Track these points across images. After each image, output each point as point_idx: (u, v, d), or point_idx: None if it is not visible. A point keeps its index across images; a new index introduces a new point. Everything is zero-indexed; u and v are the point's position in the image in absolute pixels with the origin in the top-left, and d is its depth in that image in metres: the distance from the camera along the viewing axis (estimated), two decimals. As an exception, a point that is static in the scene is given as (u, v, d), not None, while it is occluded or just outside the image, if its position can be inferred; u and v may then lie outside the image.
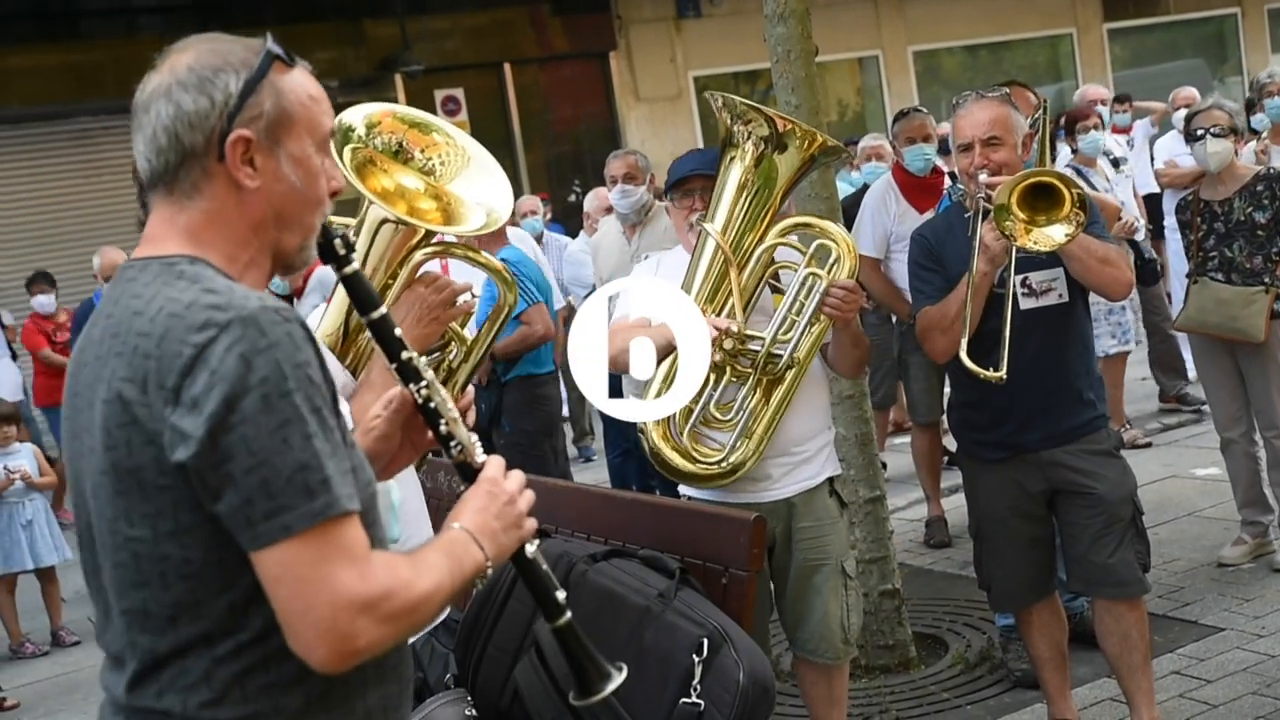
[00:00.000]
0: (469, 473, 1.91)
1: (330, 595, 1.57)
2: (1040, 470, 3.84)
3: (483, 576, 1.82)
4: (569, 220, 12.39)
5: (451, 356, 2.86)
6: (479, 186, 2.74)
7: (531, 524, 1.91)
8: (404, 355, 1.92)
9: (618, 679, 1.94)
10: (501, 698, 2.96)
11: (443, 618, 2.89)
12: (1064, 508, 3.88)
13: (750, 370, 3.53)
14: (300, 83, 1.79)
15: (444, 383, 2.84)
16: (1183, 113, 7.42)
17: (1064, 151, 7.72)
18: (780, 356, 3.52)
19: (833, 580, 3.70)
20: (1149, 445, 7.31)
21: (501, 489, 1.88)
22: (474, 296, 2.80)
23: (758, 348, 3.51)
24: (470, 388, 2.89)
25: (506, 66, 14.77)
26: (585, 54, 15.38)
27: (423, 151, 2.72)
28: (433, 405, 1.93)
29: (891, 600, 4.90)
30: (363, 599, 1.59)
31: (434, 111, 13.66)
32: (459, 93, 14.29)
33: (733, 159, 3.60)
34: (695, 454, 3.55)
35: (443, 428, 1.93)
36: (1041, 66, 18.67)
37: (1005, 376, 3.61)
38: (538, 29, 15.00)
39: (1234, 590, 5.17)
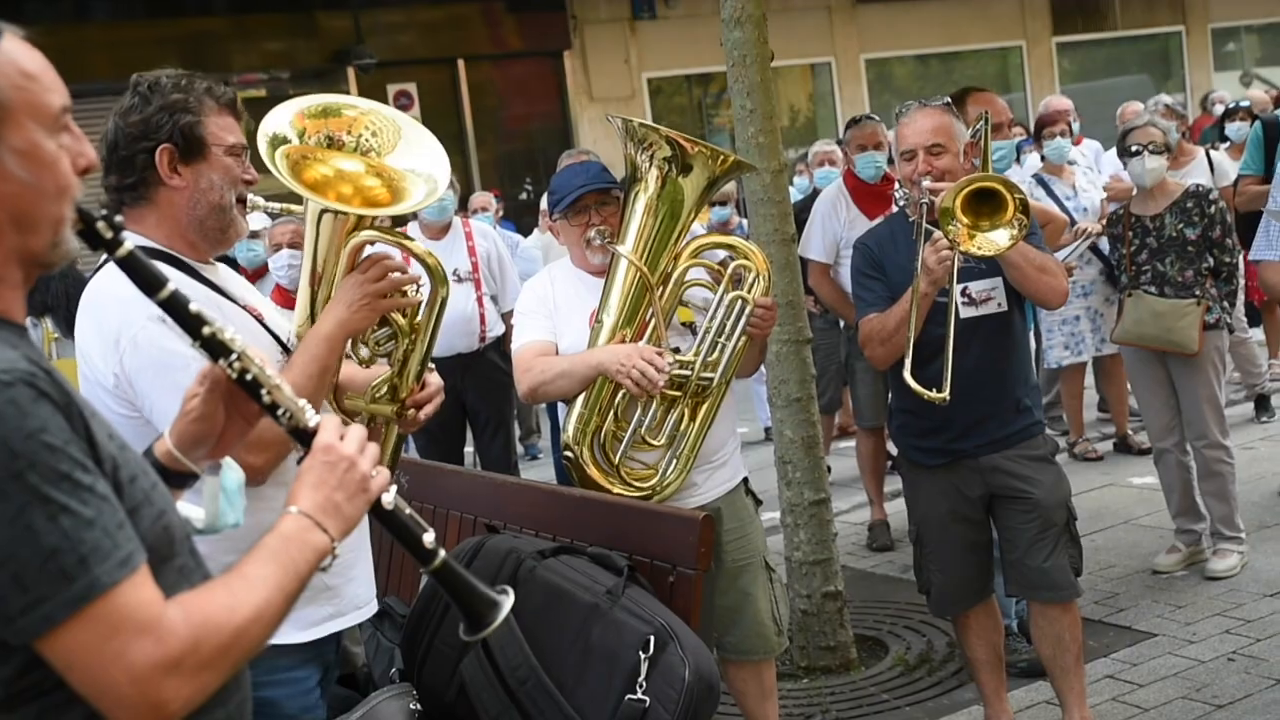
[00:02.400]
0: (303, 437, 1.82)
1: (126, 671, 1.46)
2: (979, 475, 3.91)
3: (332, 556, 1.73)
4: (520, 219, 12.39)
5: (401, 349, 2.81)
6: (416, 156, 2.71)
7: (380, 480, 1.80)
8: (205, 331, 1.79)
9: (507, 603, 1.86)
10: (448, 692, 2.98)
11: (373, 610, 2.84)
12: (1001, 512, 3.95)
13: (678, 394, 3.55)
14: (8, 60, 1.52)
15: (399, 375, 2.80)
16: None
17: (1034, 158, 7.84)
18: (710, 379, 3.55)
19: (759, 577, 3.78)
20: (1099, 459, 7.40)
21: (338, 455, 1.77)
22: (420, 288, 2.75)
23: (687, 373, 3.52)
24: (434, 379, 2.86)
25: (460, 63, 14.74)
26: (539, 52, 15.38)
27: (349, 132, 2.68)
28: (250, 377, 1.81)
29: (833, 602, 4.95)
30: (164, 663, 1.48)
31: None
32: (411, 88, 14.25)
33: (637, 192, 3.60)
34: (627, 478, 3.54)
35: (265, 398, 1.82)
36: (991, 77, 18.87)
37: (949, 398, 3.66)
38: (492, 26, 14.98)
39: (1167, 597, 5.27)
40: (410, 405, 2.78)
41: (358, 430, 1.82)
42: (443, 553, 1.85)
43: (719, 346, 3.56)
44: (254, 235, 5.91)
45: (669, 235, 3.59)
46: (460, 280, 6.38)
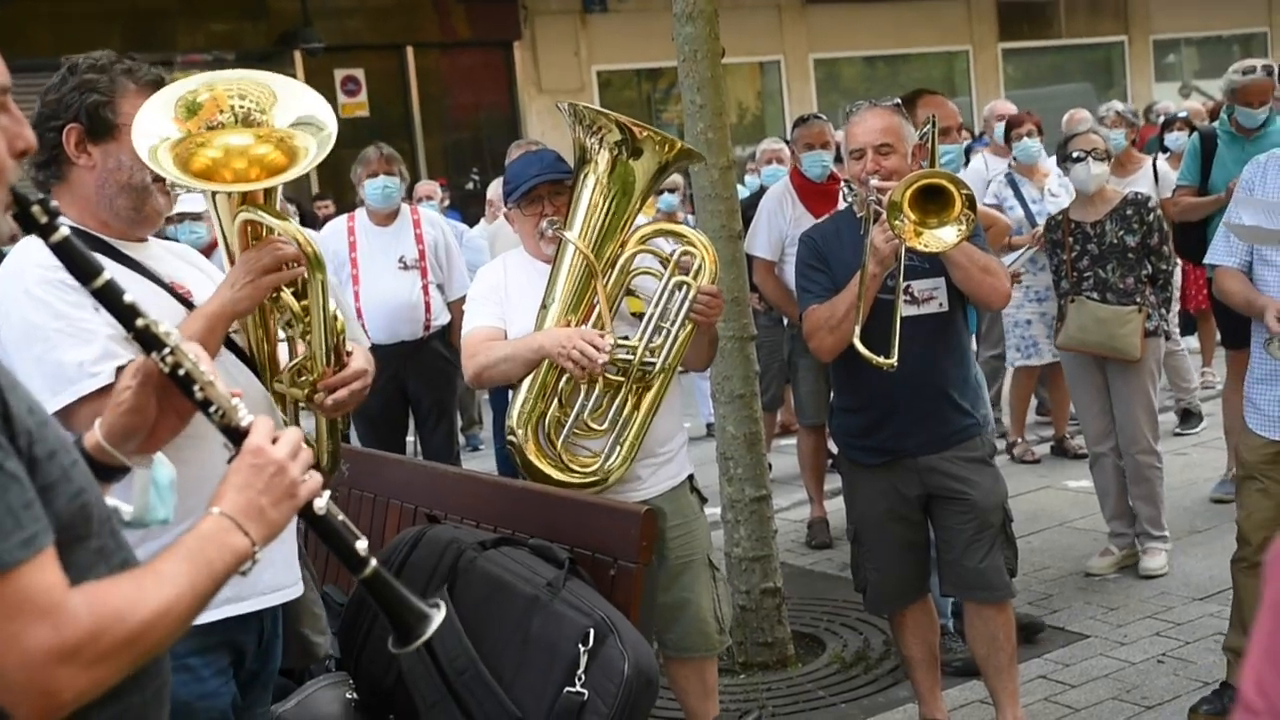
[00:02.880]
0: (235, 437, 1.79)
1: (20, 656, 1.43)
2: (917, 475, 3.94)
3: (252, 559, 1.69)
4: (466, 208, 12.33)
5: (301, 329, 2.70)
6: (294, 110, 2.61)
7: (311, 485, 1.77)
8: (139, 323, 1.77)
9: (437, 617, 1.84)
10: (385, 680, 2.97)
11: (291, 596, 2.79)
12: (939, 513, 3.98)
13: (622, 380, 3.56)
14: None
15: (308, 356, 2.69)
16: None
17: (978, 161, 7.91)
18: (653, 364, 3.56)
19: (702, 575, 3.78)
20: (1037, 461, 7.47)
21: (267, 458, 1.73)
22: (297, 265, 2.64)
23: (629, 357, 3.53)
24: (354, 364, 2.72)
25: (409, 50, 14.65)
26: (489, 42, 15.32)
27: (220, 110, 2.58)
28: (182, 371, 1.78)
29: (772, 599, 4.97)
30: (60, 650, 1.44)
31: (333, 92, 13.52)
32: (359, 73, 14.15)
33: (586, 173, 3.61)
34: (569, 464, 3.55)
35: (198, 393, 1.79)
36: (937, 81, 19.02)
37: (896, 364, 3.67)
38: (442, 14, 14.90)
39: (1099, 599, 5.34)
40: (321, 388, 2.66)
41: (292, 434, 1.79)
42: (374, 561, 1.82)
43: (662, 331, 3.56)
44: (195, 218, 5.82)
45: (616, 221, 3.59)
46: (406, 268, 6.34)
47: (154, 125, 2.51)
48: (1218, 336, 9.18)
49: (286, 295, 2.65)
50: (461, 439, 8.92)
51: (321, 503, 1.80)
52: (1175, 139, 8.81)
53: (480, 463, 8.26)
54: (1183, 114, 10.08)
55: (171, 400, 1.89)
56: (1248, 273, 3.95)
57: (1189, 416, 7.96)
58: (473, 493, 3.43)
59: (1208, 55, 22.14)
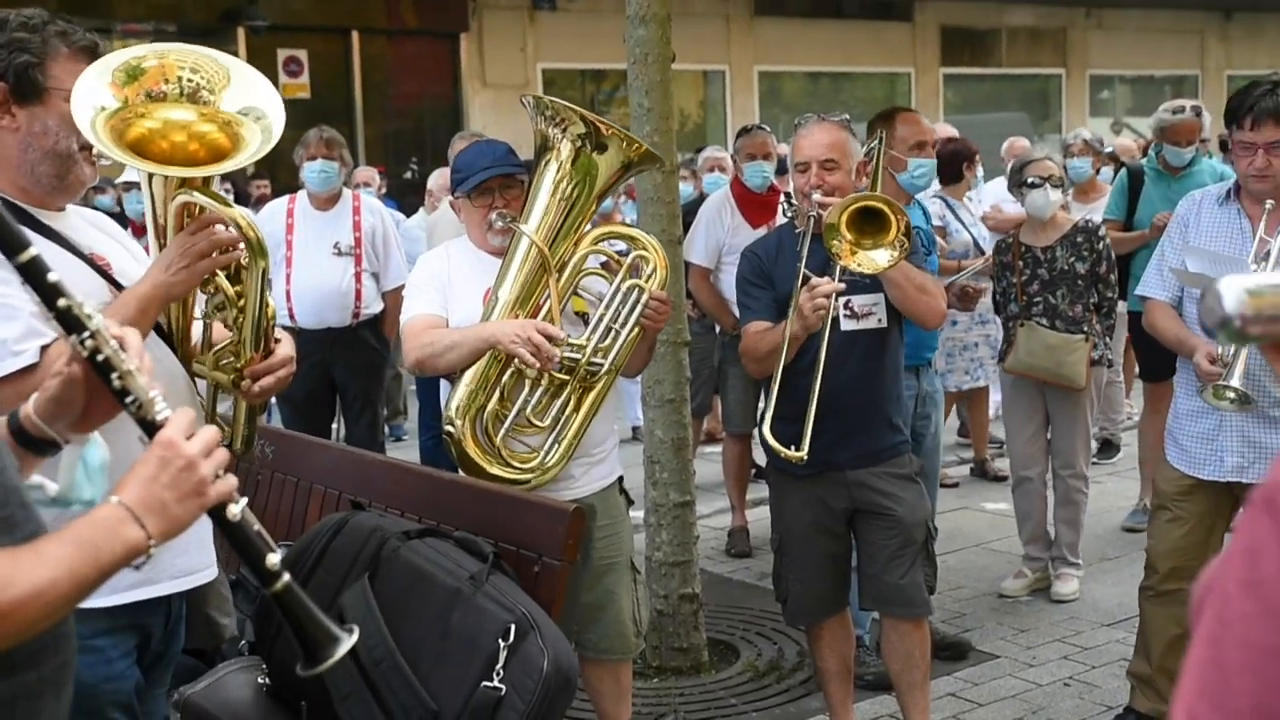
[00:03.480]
0: (150, 430, 1.74)
1: None
2: (845, 489, 3.97)
3: (146, 554, 1.65)
4: (404, 198, 12.24)
5: (231, 314, 2.66)
6: (248, 97, 2.55)
7: (222, 488, 1.73)
8: (61, 304, 1.72)
9: (348, 642, 1.82)
10: (299, 666, 2.92)
11: (203, 580, 2.75)
12: (864, 527, 4.01)
13: (567, 378, 3.55)
14: None
15: (237, 341, 2.66)
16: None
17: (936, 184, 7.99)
18: (599, 365, 3.56)
19: (624, 578, 3.79)
20: (955, 485, 7.53)
21: (177, 453, 1.68)
22: (234, 250, 2.61)
23: (578, 356, 3.53)
24: (280, 351, 2.70)
25: (354, 34, 14.52)
26: (435, 32, 15.22)
27: (166, 81, 2.50)
28: (101, 357, 1.73)
29: (690, 604, 4.99)
30: None
31: (275, 72, 13.35)
32: (302, 55, 13.99)
33: (548, 161, 3.59)
34: (507, 459, 3.54)
35: (115, 382, 1.74)
36: (879, 101, 19.18)
37: (805, 458, 3.71)
38: (389, 1, 14.78)
39: (1011, 620, 5.42)
40: (248, 375, 2.63)
41: (208, 432, 1.74)
42: (287, 576, 1.79)
43: (612, 333, 3.57)
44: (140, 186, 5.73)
45: (573, 219, 3.59)
46: (340, 254, 6.28)
47: (92, 93, 2.43)
48: (1136, 369, 9.37)
49: (221, 279, 2.60)
50: (385, 429, 8.88)
51: (236, 509, 1.76)
52: (1102, 174, 8.97)
53: (403, 453, 8.18)
54: (1110, 149, 10.26)
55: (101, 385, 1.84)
56: (1177, 307, 4.03)
57: (1108, 447, 8.10)
58: (399, 481, 3.39)
59: (1140, 94, 22.60)
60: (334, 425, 6.72)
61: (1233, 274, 3.41)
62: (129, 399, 1.74)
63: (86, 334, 1.72)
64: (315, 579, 2.95)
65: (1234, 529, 1.14)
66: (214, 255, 2.50)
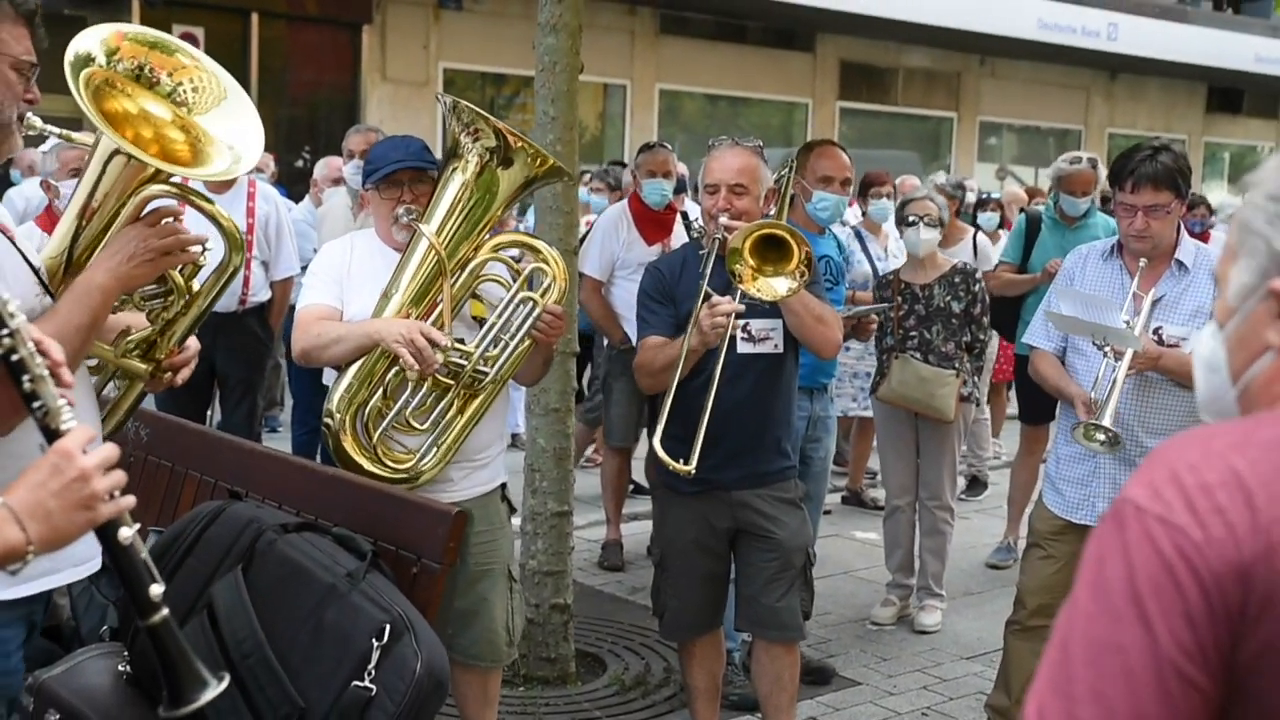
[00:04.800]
0: (52, 439, 1.72)
1: None
2: (730, 509, 4.00)
3: (22, 559, 1.63)
4: (293, 185, 12.05)
5: (172, 308, 2.69)
6: (231, 125, 2.59)
7: (112, 508, 1.72)
8: None
9: (215, 688, 1.81)
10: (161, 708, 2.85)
11: (96, 567, 2.70)
12: (744, 548, 4.05)
13: (451, 383, 3.53)
14: None
15: (161, 334, 2.68)
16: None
17: (855, 211, 8.09)
18: (485, 374, 3.54)
19: (500, 585, 3.76)
20: (828, 512, 7.61)
21: (72, 464, 1.67)
22: (206, 250, 2.64)
23: (463, 362, 3.51)
24: (193, 343, 2.76)
25: (254, 16, 14.26)
26: (338, 21, 15.03)
27: (170, 75, 2.54)
28: (16, 358, 1.71)
29: (560, 615, 4.98)
30: None
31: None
32: (199, 32, 13.68)
33: (455, 169, 3.58)
34: (383, 457, 3.51)
35: (26, 385, 1.72)
36: (775, 129, 19.49)
37: (693, 472, 3.74)
38: (294, -15, 14.59)
39: (875, 649, 5.51)
40: (167, 367, 2.65)
41: (108, 450, 1.72)
42: (166, 610, 1.78)
43: (501, 343, 3.55)
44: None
45: (475, 224, 3.56)
46: (230, 238, 6.16)
47: (86, 41, 2.45)
48: (1008, 410, 9.62)
49: (175, 274, 2.62)
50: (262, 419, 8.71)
51: (128, 533, 1.74)
52: (988, 219, 9.21)
53: (277, 444, 8.04)
54: (996, 195, 10.55)
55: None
56: (1061, 357, 4.16)
57: (976, 484, 8.30)
58: (279, 473, 3.33)
59: (1026, 143, 23.27)
60: (209, 412, 6.57)
61: (1102, 316, 3.55)
62: (36, 404, 1.71)
63: (5, 332, 1.70)
64: (186, 567, 2.88)
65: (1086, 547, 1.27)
66: (178, 254, 2.52)
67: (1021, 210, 8.44)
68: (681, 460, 3.74)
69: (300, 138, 14.91)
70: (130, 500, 1.73)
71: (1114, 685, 1.16)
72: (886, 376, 5.71)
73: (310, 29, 15.05)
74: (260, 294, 6.28)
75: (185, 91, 2.57)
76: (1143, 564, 1.18)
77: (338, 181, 7.45)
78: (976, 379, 5.91)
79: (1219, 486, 1.19)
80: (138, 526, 1.77)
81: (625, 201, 6.58)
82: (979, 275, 5.91)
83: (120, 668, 2.92)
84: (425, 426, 3.52)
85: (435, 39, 15.57)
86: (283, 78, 14.84)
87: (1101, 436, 3.79)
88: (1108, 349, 3.83)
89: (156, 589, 1.76)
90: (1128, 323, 3.86)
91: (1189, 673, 1.16)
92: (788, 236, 3.72)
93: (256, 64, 14.28)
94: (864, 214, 7.77)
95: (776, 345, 3.98)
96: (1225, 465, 1.21)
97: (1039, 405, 6.20)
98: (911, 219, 5.75)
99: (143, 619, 1.77)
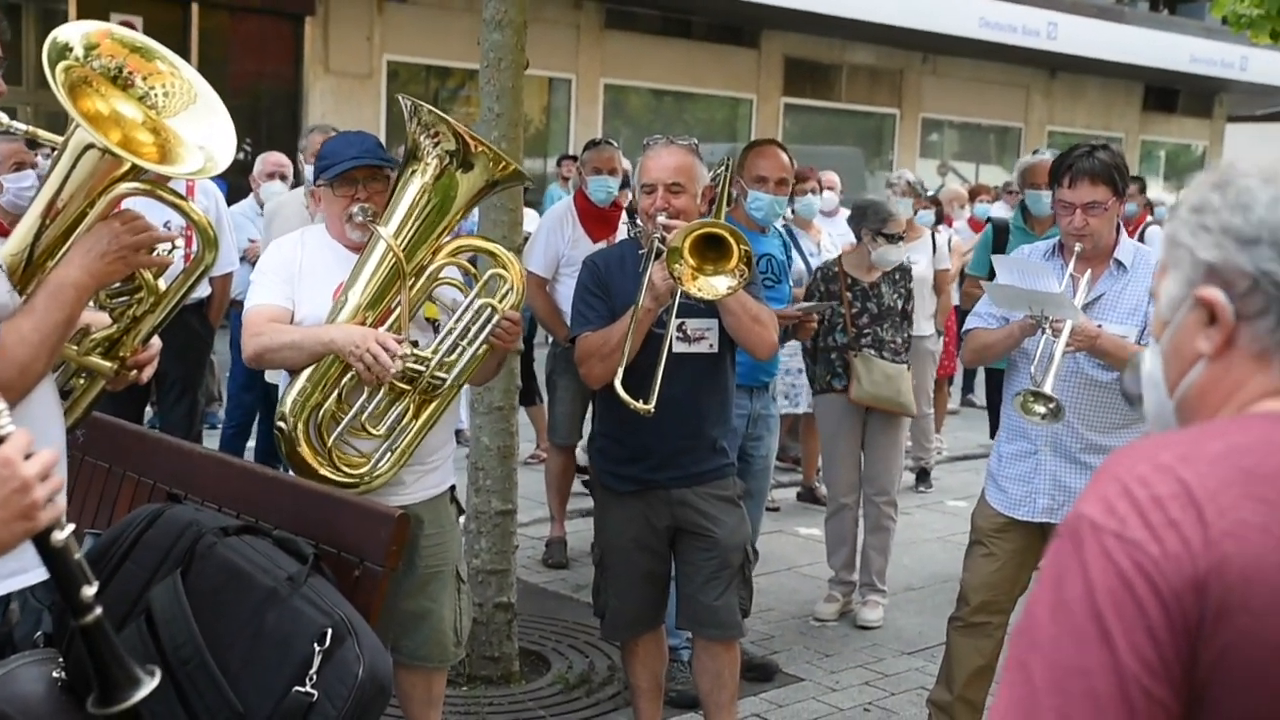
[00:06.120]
0: None
1: None
2: (668, 508, 4.00)
3: None
4: (234, 179, 11.89)
5: (139, 306, 2.68)
6: (202, 128, 2.59)
7: (50, 514, 1.71)
8: None
9: (148, 685, 1.82)
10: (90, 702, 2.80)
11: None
12: (683, 547, 4.05)
13: (408, 389, 3.50)
14: None
15: (125, 332, 2.67)
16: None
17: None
18: (442, 380, 3.52)
19: (449, 587, 3.74)
20: (777, 509, 7.62)
21: (14, 473, 1.66)
22: (173, 249, 2.65)
23: (421, 368, 3.48)
24: (155, 341, 2.74)
25: (194, 6, 14.08)
26: (280, 12, 14.88)
27: (145, 79, 2.54)
28: None
29: (504, 613, 4.96)
30: None
31: (106, 35, 12.85)
32: (137, 21, 13.48)
33: (414, 171, 3.55)
34: (337, 462, 3.48)
35: None
36: (719, 124, 19.53)
37: (653, 410, 3.75)
38: (234, -25, 14.41)
39: (817, 645, 5.55)
40: (131, 365, 2.66)
41: (47, 455, 1.71)
42: (99, 610, 1.77)
43: (458, 349, 3.52)
44: None
45: (433, 227, 3.53)
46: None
47: (69, 32, 2.45)
48: (949, 404, 9.72)
49: (145, 274, 2.63)
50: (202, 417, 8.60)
51: (61, 536, 1.73)
52: (923, 217, 9.25)
53: (214, 441, 7.96)
54: (932, 192, 10.61)
55: None
56: None
57: (925, 476, 8.37)
58: (220, 475, 3.28)
59: (967, 140, 23.50)
60: (147, 410, 6.49)
61: (1039, 283, 3.54)
62: None
63: None
64: (124, 571, 2.83)
65: (1041, 565, 1.27)
66: (150, 253, 2.55)
67: (988, 219, 8.46)
68: (641, 400, 3.73)
69: (241, 130, 14.49)
70: (64, 503, 1.72)
71: (1080, 709, 1.17)
72: (853, 378, 5.70)
73: (252, 19, 14.88)
74: (199, 290, 6.20)
75: (157, 95, 2.59)
76: (1101, 581, 1.19)
77: (273, 176, 7.37)
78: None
79: (1171, 500, 1.20)
80: (72, 528, 1.75)
81: (570, 198, 6.57)
82: (911, 273, 5.99)
83: (55, 674, 2.88)
84: (381, 432, 3.49)
85: (379, 31, 15.45)
86: (223, 69, 14.64)
87: (1041, 409, 3.79)
88: (1046, 325, 3.84)
89: (89, 590, 1.76)
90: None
91: (1153, 689, 1.17)
92: (727, 235, 3.73)
93: (197, 55, 14.08)
94: (792, 211, 7.79)
95: (712, 345, 3.99)
96: (1175, 478, 1.22)
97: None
98: (891, 235, 5.77)
99: (76, 618, 1.77)
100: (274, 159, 7.53)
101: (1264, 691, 1.18)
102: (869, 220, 5.91)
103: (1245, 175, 1.35)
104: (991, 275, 6.10)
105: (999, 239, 6.54)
